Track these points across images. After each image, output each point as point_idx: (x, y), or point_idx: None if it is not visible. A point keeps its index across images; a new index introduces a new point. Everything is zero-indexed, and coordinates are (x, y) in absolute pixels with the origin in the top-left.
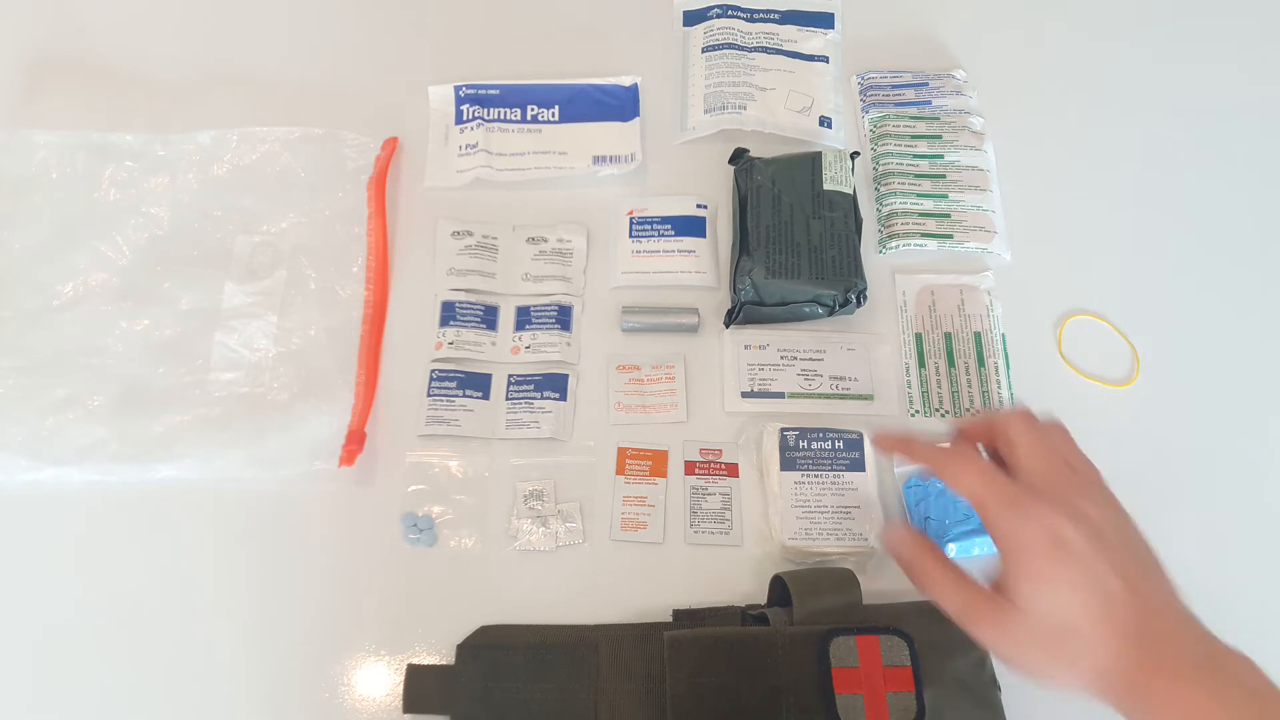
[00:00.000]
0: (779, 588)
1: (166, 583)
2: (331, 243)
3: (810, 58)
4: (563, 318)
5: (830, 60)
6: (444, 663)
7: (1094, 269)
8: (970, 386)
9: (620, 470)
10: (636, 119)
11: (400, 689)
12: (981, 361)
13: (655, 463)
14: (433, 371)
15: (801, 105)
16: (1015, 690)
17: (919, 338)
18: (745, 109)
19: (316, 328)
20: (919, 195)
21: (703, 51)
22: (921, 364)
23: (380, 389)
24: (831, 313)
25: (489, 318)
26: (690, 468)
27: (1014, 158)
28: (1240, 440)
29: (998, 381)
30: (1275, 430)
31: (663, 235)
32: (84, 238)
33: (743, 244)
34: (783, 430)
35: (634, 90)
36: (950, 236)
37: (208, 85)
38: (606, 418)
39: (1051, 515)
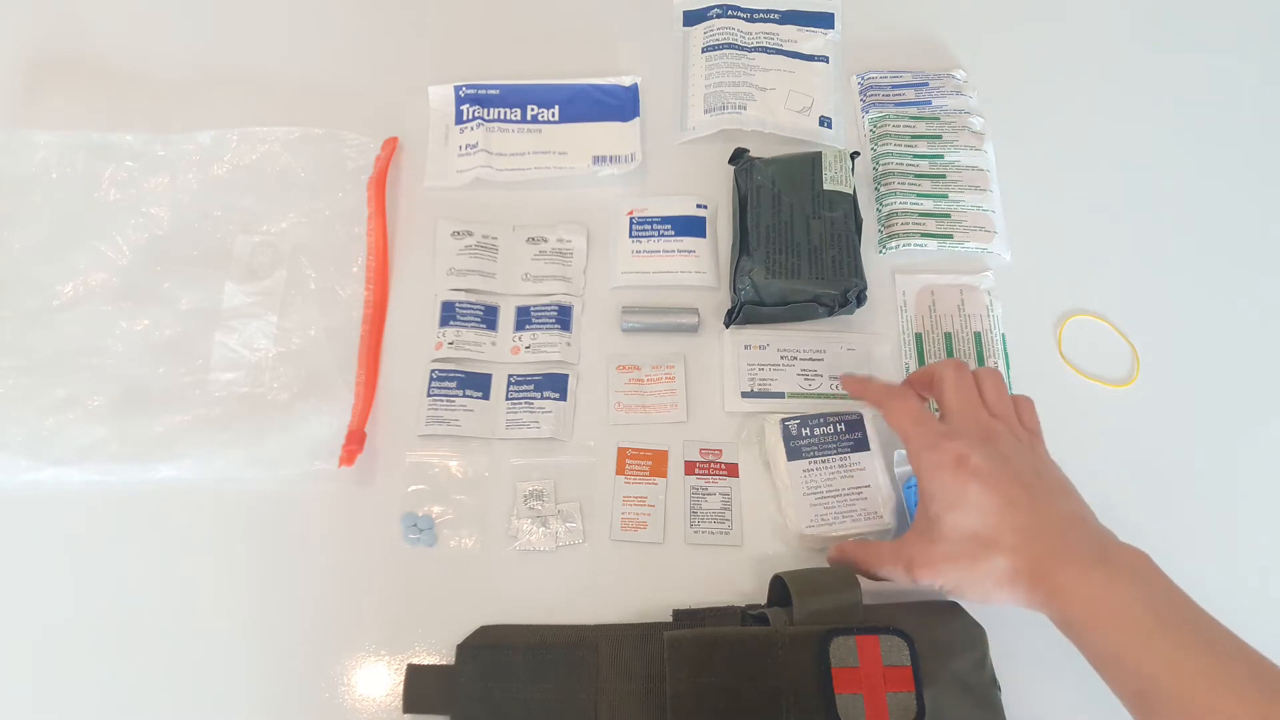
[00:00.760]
0: (779, 588)
1: (166, 583)
2: (331, 243)
3: (810, 58)
4: (563, 318)
5: (830, 60)
6: (444, 663)
7: (1094, 269)
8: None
9: (620, 470)
10: (636, 119)
11: (400, 689)
12: (981, 361)
13: (655, 463)
14: (433, 371)
15: (801, 105)
16: (1015, 690)
17: (919, 338)
18: (745, 109)
19: (316, 328)
20: (919, 195)
21: (703, 51)
22: (921, 364)
23: (380, 389)
24: (831, 313)
25: (489, 318)
26: (690, 468)
27: (1014, 158)
28: (1240, 440)
29: None
30: (1275, 430)
31: (663, 235)
32: (84, 238)
33: (743, 244)
34: (784, 421)
35: (634, 90)
36: (950, 236)
37: (208, 85)
38: (606, 418)
39: (960, 445)
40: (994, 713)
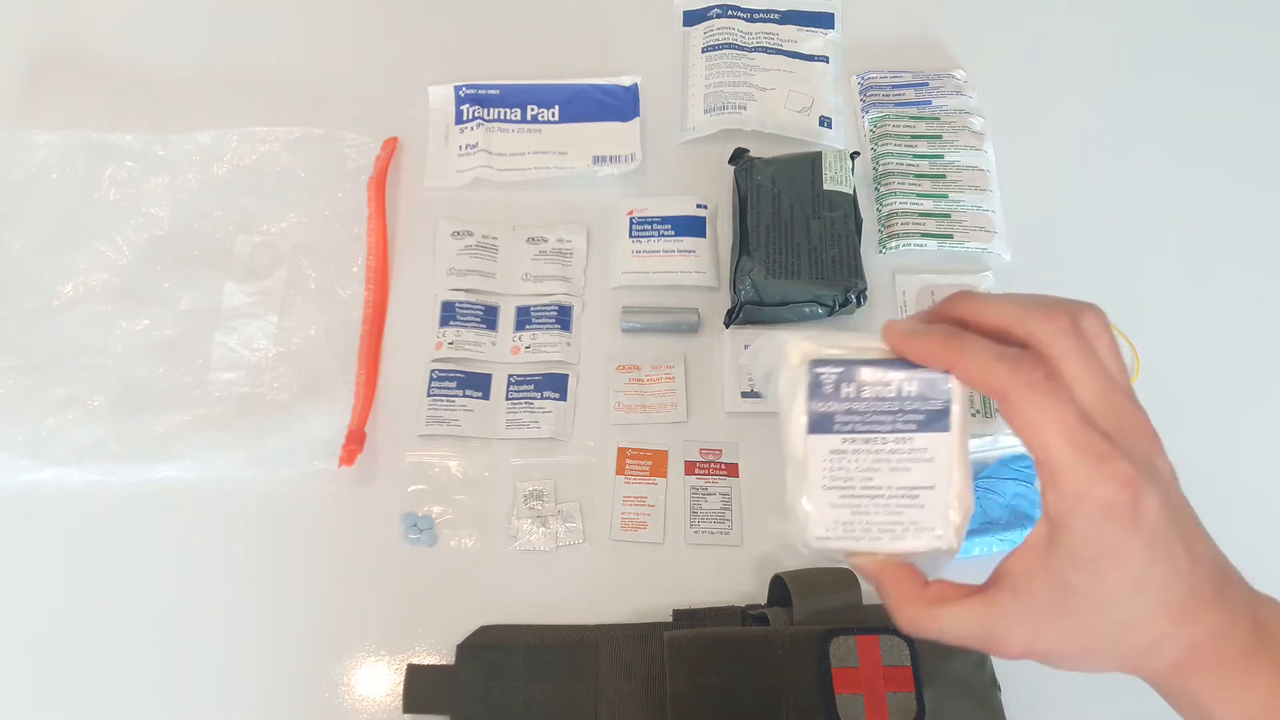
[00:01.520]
0: (779, 588)
1: (166, 583)
2: (331, 243)
3: (810, 58)
4: (563, 318)
5: (830, 60)
6: (444, 663)
7: (1094, 269)
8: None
9: (620, 470)
10: (636, 119)
11: (400, 689)
12: None
13: (655, 463)
14: (433, 371)
15: (801, 105)
16: (1015, 690)
17: None
18: (745, 109)
19: (316, 328)
20: (919, 195)
21: (703, 51)
22: None
23: (380, 389)
24: (831, 313)
25: (489, 318)
26: (690, 468)
27: (1014, 158)
28: (1240, 440)
29: None
30: (1275, 430)
31: (663, 235)
32: (84, 238)
33: (743, 244)
34: (815, 366)
35: (634, 90)
36: (950, 236)
37: (208, 85)
38: (606, 418)
39: (1130, 472)
40: (994, 713)
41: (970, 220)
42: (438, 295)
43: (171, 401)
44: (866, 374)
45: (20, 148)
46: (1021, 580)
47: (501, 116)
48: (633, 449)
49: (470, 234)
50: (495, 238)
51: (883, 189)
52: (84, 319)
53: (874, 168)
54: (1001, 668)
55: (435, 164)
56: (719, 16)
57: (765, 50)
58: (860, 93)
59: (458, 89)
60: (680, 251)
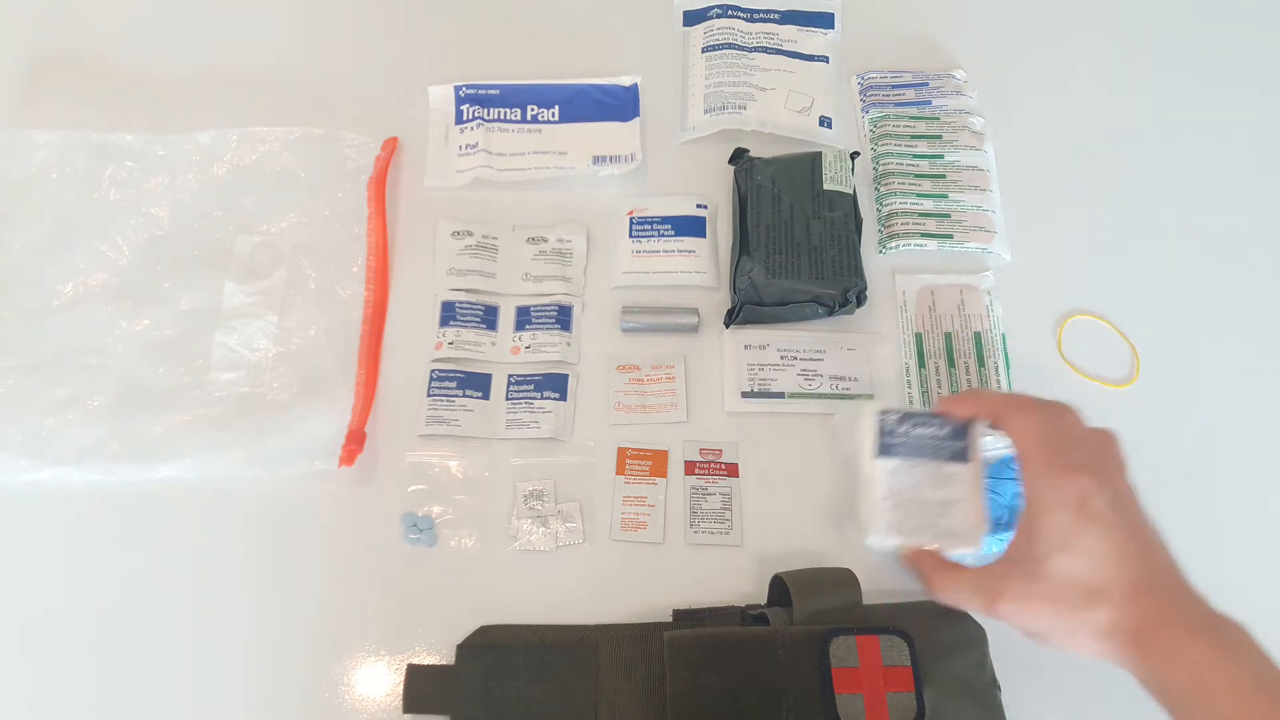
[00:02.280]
0: (779, 588)
1: (166, 583)
2: (331, 243)
3: (810, 58)
4: (563, 318)
5: (830, 60)
6: (444, 663)
7: (1094, 269)
8: (970, 386)
9: (620, 470)
10: (636, 119)
11: (400, 689)
12: (981, 361)
13: (655, 463)
14: (433, 371)
15: (801, 105)
16: (1015, 690)
17: (919, 338)
18: (745, 109)
19: (316, 328)
20: (919, 195)
21: (703, 51)
22: (921, 364)
23: (380, 389)
24: (831, 313)
25: (489, 318)
26: (690, 468)
27: (1014, 158)
28: (1240, 440)
29: (998, 381)
30: (1276, 430)
31: (663, 235)
32: (84, 238)
33: (743, 244)
34: (881, 413)
35: (634, 90)
36: (950, 236)
37: (208, 85)
38: (606, 418)
39: (1086, 481)
40: (994, 713)
41: (970, 220)
42: (438, 295)
43: (171, 401)
44: (916, 419)
45: (20, 148)
46: (1011, 554)
47: (501, 116)
48: (633, 449)
49: (470, 234)
50: (495, 238)
51: (883, 189)
52: (84, 319)
53: (874, 168)
54: (1002, 668)
55: (435, 164)
56: (719, 16)
57: (765, 50)
58: (860, 93)
59: (458, 89)
60: (680, 251)
